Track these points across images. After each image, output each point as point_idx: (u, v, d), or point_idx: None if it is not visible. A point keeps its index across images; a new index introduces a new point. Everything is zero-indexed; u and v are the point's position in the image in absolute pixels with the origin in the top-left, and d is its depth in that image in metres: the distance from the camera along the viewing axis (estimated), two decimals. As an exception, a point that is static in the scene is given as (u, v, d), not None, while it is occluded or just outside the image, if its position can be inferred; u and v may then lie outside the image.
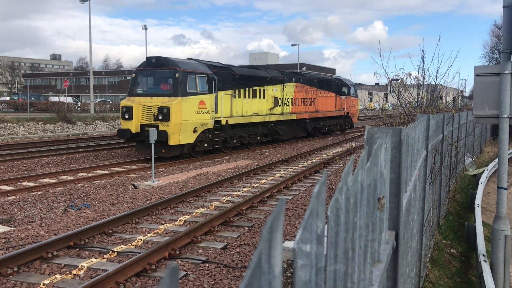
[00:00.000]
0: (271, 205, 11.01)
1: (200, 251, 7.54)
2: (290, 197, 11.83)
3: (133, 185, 13.94)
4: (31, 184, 13.93)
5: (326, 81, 30.94)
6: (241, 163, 18.00)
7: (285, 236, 8.35)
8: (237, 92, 20.86)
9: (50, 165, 17.56)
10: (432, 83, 8.59)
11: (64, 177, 14.97)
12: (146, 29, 52.58)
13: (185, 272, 6.52)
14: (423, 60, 7.82)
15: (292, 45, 68.28)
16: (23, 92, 60.08)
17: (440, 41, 7.98)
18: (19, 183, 14.03)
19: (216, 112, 19.14)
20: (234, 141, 21.02)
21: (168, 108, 16.83)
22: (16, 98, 50.98)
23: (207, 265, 6.88)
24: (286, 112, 25.30)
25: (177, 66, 17.60)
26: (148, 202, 10.92)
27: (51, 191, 13.02)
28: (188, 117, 17.39)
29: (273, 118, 23.81)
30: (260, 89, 22.79)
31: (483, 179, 13.01)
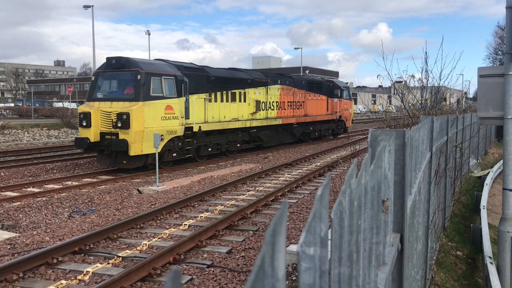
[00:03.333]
0: (275, 208, 10.99)
1: (205, 255, 7.54)
2: (295, 201, 11.82)
3: (138, 190, 13.95)
4: (36, 190, 13.97)
5: (316, 83, 29.03)
6: (245, 167, 18.00)
7: (289, 239, 8.33)
8: (212, 96, 19.15)
9: (55, 171, 17.60)
10: (436, 85, 8.58)
11: (69, 182, 15.00)
12: (149, 34, 52.83)
13: (190, 277, 6.52)
14: (426, 62, 7.82)
15: (295, 48, 68.24)
16: (27, 98, 60.40)
17: (443, 43, 7.96)
18: (23, 189, 14.07)
19: (187, 118, 17.52)
20: (210, 149, 19.20)
21: (127, 114, 15.22)
22: (20, 104, 51.27)
23: (212, 269, 6.87)
24: (271, 117, 23.56)
25: (138, 67, 15.92)
26: (152, 206, 10.93)
27: (55, 196, 13.05)
28: (152, 124, 15.76)
29: (255, 124, 22.02)
30: (240, 92, 21.07)
31: (488, 180, 12.95)
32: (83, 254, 7.49)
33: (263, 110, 22.80)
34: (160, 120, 16.14)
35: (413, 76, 7.70)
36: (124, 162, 15.80)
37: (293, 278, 6.16)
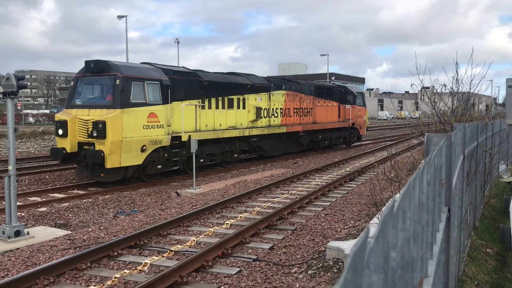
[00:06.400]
0: (310, 210, 11.56)
1: (250, 250, 8.18)
2: (328, 203, 12.35)
3: (176, 192, 14.70)
4: (81, 192, 14.84)
5: (327, 89, 27.46)
6: (276, 172, 18.58)
7: (326, 238, 8.89)
8: (206, 102, 17.78)
9: (96, 174, 18.48)
10: (465, 92, 9.03)
11: (111, 185, 15.80)
12: (178, 42, 54.12)
13: (238, 269, 7.16)
14: (457, 71, 8.31)
15: (321, 55, 68.53)
16: (60, 104, 62.41)
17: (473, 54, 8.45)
18: (70, 191, 14.96)
19: (172, 126, 16.19)
20: (202, 160, 17.66)
21: (103, 123, 14.00)
22: (55, 111, 53.08)
23: (258, 263, 7.50)
24: (274, 125, 22.03)
25: (118, 71, 14.67)
26: (194, 207, 11.63)
27: (100, 198, 13.90)
28: (132, 133, 14.47)
29: (255, 132, 20.48)
30: (238, 99, 19.61)
31: (518, 185, 13.19)
32: (138, 248, 8.22)
33: (265, 117, 21.41)
34: (142, 129, 14.88)
35: (444, 86, 8.21)
36: (102, 175, 14.73)
37: (334, 270, 6.72)
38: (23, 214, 11.63)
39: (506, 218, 9.92)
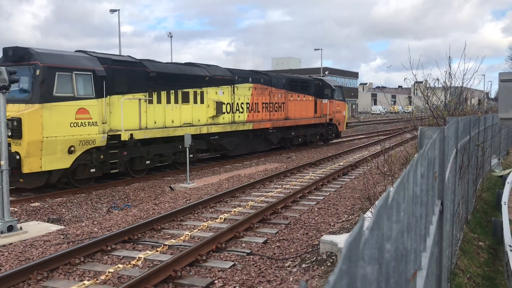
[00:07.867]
0: (304, 204, 11.59)
1: (243, 244, 8.20)
2: (322, 198, 12.39)
3: (170, 187, 14.70)
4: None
5: (301, 82, 25.58)
6: (269, 166, 18.61)
7: (320, 232, 8.92)
8: (154, 96, 15.91)
9: (89, 169, 18.39)
10: (458, 85, 9.08)
11: (104, 180, 15.73)
12: (171, 36, 53.89)
13: (232, 263, 7.18)
14: (450, 66, 8.34)
15: (315, 49, 68.03)
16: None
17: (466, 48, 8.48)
18: (63, 185, 14.86)
19: (113, 124, 14.40)
20: (148, 162, 15.79)
21: (19, 120, 12.03)
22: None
23: (252, 257, 7.52)
24: (239, 121, 20.22)
25: (39, 59, 12.67)
26: (188, 202, 11.62)
27: (94, 193, 13.85)
28: (55, 132, 12.61)
29: (215, 129, 18.60)
30: (195, 92, 17.79)
31: (509, 179, 13.29)
32: (132, 243, 8.21)
33: (228, 113, 19.61)
34: (69, 127, 13.01)
35: (437, 80, 8.25)
36: (21, 180, 12.59)
37: (328, 264, 6.75)
38: (16, 209, 11.58)
39: (498, 212, 10.01)
